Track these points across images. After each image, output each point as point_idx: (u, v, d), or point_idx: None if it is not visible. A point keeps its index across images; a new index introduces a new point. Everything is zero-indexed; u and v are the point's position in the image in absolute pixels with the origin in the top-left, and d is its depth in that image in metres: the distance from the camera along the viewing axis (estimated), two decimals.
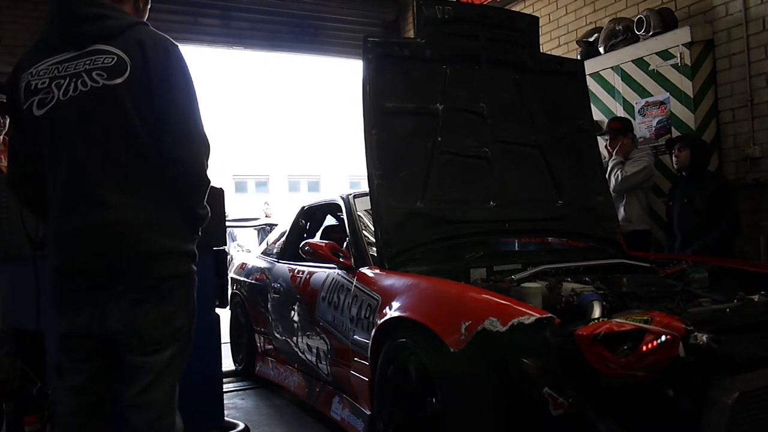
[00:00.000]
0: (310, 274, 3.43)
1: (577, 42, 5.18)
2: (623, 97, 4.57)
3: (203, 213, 1.76)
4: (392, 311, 2.39)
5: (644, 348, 1.73)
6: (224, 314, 3.15)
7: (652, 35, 4.31)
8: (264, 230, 8.77)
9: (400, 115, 3.02)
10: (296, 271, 3.67)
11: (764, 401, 1.81)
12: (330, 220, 4.43)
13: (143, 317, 1.63)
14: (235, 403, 3.88)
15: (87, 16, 1.66)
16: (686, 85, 4.13)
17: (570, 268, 2.87)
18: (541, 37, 3.66)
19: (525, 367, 1.87)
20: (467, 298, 2.20)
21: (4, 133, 4.08)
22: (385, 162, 2.89)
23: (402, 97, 3.04)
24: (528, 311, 1.89)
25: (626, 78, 4.52)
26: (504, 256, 3.28)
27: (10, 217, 2.56)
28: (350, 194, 3.50)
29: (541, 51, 3.74)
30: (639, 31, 4.39)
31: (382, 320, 2.44)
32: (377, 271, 2.81)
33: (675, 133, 4.17)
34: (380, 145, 2.90)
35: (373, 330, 2.51)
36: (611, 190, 3.86)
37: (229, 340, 4.73)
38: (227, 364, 4.24)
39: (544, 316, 1.87)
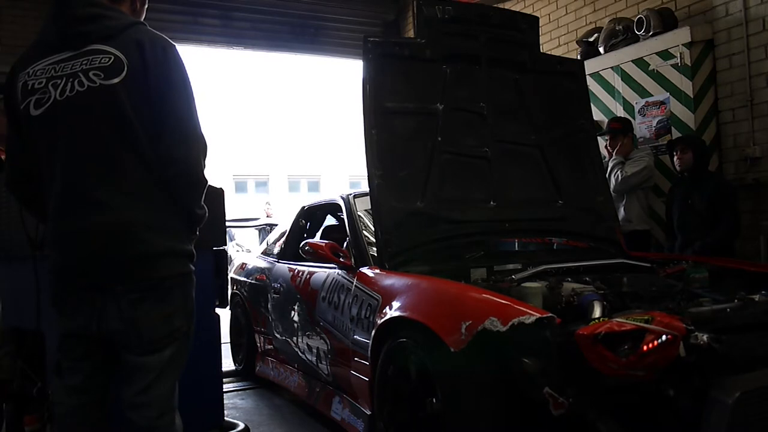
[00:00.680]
0: (310, 274, 3.43)
1: (577, 42, 5.18)
2: (623, 97, 4.57)
3: (201, 213, 1.77)
4: (392, 311, 2.39)
5: (645, 348, 1.72)
6: (224, 314, 3.14)
7: (652, 35, 4.30)
8: (265, 230, 8.77)
9: (400, 115, 3.02)
10: (296, 271, 3.67)
11: (765, 401, 1.81)
12: (330, 220, 4.43)
13: (142, 317, 1.63)
14: (235, 403, 3.88)
15: (85, 16, 1.66)
16: (686, 85, 4.13)
17: (570, 268, 2.87)
18: (541, 37, 3.66)
19: (525, 366, 1.87)
20: (467, 297, 2.20)
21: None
22: (385, 162, 2.89)
23: (402, 97, 3.04)
24: (528, 311, 1.89)
25: (626, 78, 4.52)
26: (504, 255, 3.29)
27: (10, 217, 2.56)
28: (350, 194, 3.50)
29: (541, 51, 3.73)
30: (639, 31, 4.38)
31: (383, 320, 2.45)
32: (377, 271, 2.81)
33: (675, 133, 4.17)
34: (380, 145, 2.90)
35: (374, 330, 2.51)
36: (611, 190, 3.85)
37: (229, 340, 4.72)
38: (227, 364, 4.24)
39: (545, 315, 1.86)
